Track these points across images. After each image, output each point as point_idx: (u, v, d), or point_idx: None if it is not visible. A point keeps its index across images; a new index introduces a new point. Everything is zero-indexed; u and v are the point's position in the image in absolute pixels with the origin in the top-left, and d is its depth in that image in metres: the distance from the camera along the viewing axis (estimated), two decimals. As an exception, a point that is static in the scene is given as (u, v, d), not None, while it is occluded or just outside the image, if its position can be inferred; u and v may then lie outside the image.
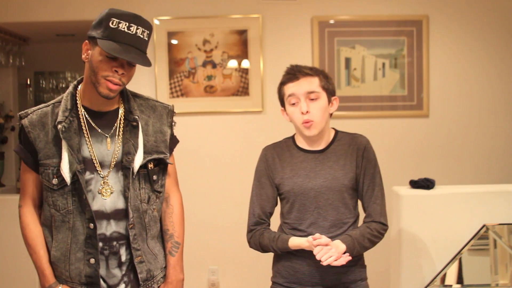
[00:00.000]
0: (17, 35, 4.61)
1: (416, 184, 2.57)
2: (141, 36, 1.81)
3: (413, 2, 3.90)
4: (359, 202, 2.15)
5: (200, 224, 3.93)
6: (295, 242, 2.03)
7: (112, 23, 1.77)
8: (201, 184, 3.92)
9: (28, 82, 5.79)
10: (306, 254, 2.04)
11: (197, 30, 3.84)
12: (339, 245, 1.96)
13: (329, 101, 2.09)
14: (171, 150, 2.03)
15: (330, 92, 2.10)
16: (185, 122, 3.90)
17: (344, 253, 1.96)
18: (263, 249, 2.12)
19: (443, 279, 2.47)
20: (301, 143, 2.14)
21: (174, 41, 3.84)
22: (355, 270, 2.10)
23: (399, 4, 3.90)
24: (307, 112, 2.03)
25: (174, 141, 2.04)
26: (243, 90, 3.87)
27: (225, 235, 3.87)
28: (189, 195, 3.98)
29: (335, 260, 1.90)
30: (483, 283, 2.48)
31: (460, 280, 2.47)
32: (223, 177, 3.90)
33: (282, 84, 2.11)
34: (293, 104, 2.06)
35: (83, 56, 1.86)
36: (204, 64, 3.86)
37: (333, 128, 2.17)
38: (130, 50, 1.78)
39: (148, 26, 1.84)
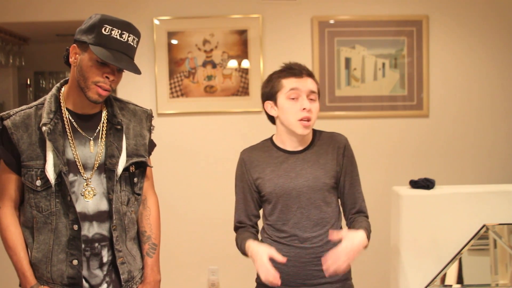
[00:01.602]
0: (17, 35, 4.62)
1: (416, 184, 2.56)
2: (132, 44, 1.84)
3: (413, 2, 3.90)
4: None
5: (200, 224, 3.93)
6: (250, 248, 2.00)
7: (105, 30, 1.78)
8: (201, 184, 3.92)
9: (28, 82, 5.79)
10: (292, 255, 2.05)
11: (197, 30, 3.84)
12: (356, 237, 1.91)
13: None
14: (149, 154, 2.06)
15: (319, 96, 2.12)
16: (185, 122, 3.90)
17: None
18: (240, 251, 2.12)
19: (443, 279, 2.47)
20: (281, 143, 2.12)
21: (174, 41, 3.84)
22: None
23: (399, 4, 3.90)
24: (309, 110, 2.02)
25: (152, 145, 2.08)
26: (243, 90, 3.87)
27: (225, 235, 3.84)
28: (189, 195, 4.00)
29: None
30: (483, 283, 2.48)
31: (460, 280, 2.47)
32: (223, 177, 3.89)
33: (281, 77, 2.07)
34: (293, 99, 2.03)
35: (70, 60, 1.88)
36: (204, 64, 3.86)
37: None
38: (122, 57, 1.80)
39: (138, 34, 1.87)
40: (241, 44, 3.85)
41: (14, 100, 4.96)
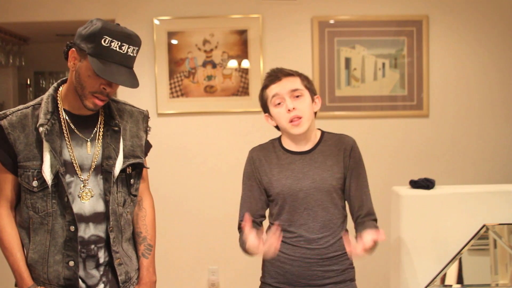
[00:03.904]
0: (17, 35, 4.62)
1: (416, 184, 2.56)
2: (131, 54, 1.81)
3: (413, 2, 3.90)
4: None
5: (200, 224, 3.93)
6: (249, 242, 1.93)
7: (105, 41, 1.75)
8: (201, 184, 3.92)
9: (28, 82, 5.80)
10: (298, 255, 2.05)
11: (197, 30, 3.84)
12: (367, 238, 1.89)
13: (312, 100, 2.10)
14: (145, 155, 2.05)
15: (313, 91, 2.11)
16: (185, 122, 3.90)
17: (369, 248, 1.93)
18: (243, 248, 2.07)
19: (443, 279, 2.47)
20: (287, 144, 2.12)
21: (174, 41, 3.84)
22: (345, 271, 2.09)
23: (399, 4, 3.90)
24: (293, 108, 2.02)
25: (148, 146, 2.07)
26: (243, 90, 3.87)
27: (225, 235, 3.86)
28: (189, 195, 4.00)
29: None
30: (483, 283, 2.48)
31: (460, 280, 2.47)
32: (223, 177, 3.90)
33: (265, 87, 2.10)
34: (278, 104, 2.05)
35: (69, 64, 1.85)
36: (204, 64, 3.86)
37: (319, 129, 2.17)
38: (120, 70, 1.78)
39: (139, 43, 1.84)
40: (241, 44, 3.85)
41: (14, 100, 4.97)
